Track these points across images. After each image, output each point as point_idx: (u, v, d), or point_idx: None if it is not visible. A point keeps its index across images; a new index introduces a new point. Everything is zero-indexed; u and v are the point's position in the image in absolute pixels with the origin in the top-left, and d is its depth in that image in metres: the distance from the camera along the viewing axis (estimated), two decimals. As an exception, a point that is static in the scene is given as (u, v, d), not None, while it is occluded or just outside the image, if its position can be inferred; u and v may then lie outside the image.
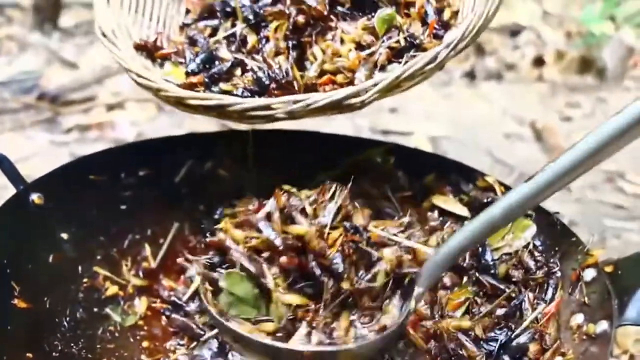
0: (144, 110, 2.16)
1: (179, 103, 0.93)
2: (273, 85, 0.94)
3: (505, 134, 2.20)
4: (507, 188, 1.08)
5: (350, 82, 0.93)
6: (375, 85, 0.86)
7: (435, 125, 2.20)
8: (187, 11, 1.15)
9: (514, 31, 3.44)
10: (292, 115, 0.87)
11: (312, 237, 0.88)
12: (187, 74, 1.01)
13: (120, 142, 1.98)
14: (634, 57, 2.79)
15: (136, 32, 1.08)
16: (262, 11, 1.02)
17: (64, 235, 1.06)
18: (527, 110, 2.38)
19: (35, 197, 1.03)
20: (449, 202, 1.07)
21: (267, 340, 0.89)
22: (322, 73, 0.95)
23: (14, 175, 1.03)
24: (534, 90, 2.60)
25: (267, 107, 0.87)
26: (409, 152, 1.19)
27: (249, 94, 0.95)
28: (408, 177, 1.13)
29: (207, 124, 2.08)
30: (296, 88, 0.94)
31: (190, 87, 0.99)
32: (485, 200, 1.06)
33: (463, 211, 1.07)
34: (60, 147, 1.96)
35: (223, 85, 0.98)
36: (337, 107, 0.86)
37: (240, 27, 1.03)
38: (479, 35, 0.91)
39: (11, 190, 1.03)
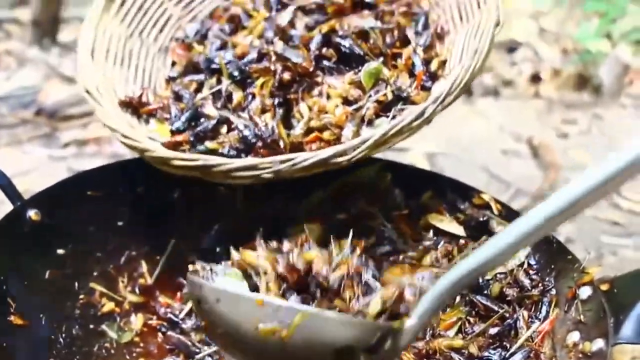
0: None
1: (164, 163, 0.92)
2: (259, 143, 0.93)
3: (502, 151, 2.20)
4: (503, 206, 1.09)
5: (338, 139, 0.92)
6: (362, 143, 0.86)
7: (431, 141, 2.21)
8: (173, 63, 1.15)
9: (511, 48, 3.45)
10: (278, 175, 0.87)
11: (320, 260, 0.87)
12: (172, 132, 1.00)
13: (118, 156, 1.98)
14: (630, 74, 2.80)
15: (121, 86, 1.07)
16: (247, 68, 1.02)
17: (61, 252, 1.06)
18: (524, 127, 2.39)
19: (32, 214, 1.03)
20: (444, 221, 1.07)
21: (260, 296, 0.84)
22: (309, 130, 0.94)
23: (11, 191, 1.03)
24: (531, 106, 2.60)
25: (253, 168, 0.87)
26: (404, 170, 1.19)
27: (235, 153, 0.95)
28: (404, 195, 1.13)
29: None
30: (282, 147, 0.93)
31: (175, 145, 0.98)
32: (481, 219, 1.07)
33: (459, 230, 1.07)
34: (57, 162, 1.97)
35: (209, 144, 0.97)
36: (324, 165, 0.86)
37: (225, 84, 1.02)
38: (467, 87, 0.91)
39: (8, 206, 1.04)
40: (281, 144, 0.93)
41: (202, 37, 1.14)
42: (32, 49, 2.75)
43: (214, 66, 1.06)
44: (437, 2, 1.08)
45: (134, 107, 1.05)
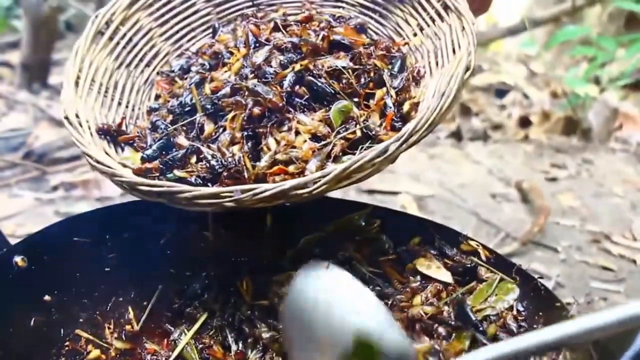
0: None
1: (133, 188, 0.94)
2: (225, 173, 0.95)
3: (491, 194, 2.21)
4: (491, 252, 1.09)
5: (302, 173, 0.94)
6: (323, 177, 0.87)
7: (421, 185, 2.21)
8: (157, 96, 1.17)
9: (500, 91, 3.49)
10: (239, 204, 0.87)
11: None
12: (143, 160, 1.02)
13: (106, 200, 1.98)
14: (619, 118, 2.82)
15: (103, 115, 1.09)
16: (220, 102, 1.04)
17: (47, 298, 1.05)
18: (513, 171, 2.40)
19: (18, 260, 1.03)
20: (432, 268, 1.07)
21: None
22: (274, 163, 0.95)
23: (-3, 237, 1.03)
24: (520, 150, 2.62)
25: (215, 196, 0.88)
26: (393, 215, 1.19)
27: (201, 182, 0.96)
28: (392, 241, 1.12)
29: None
30: (246, 177, 0.94)
31: (145, 172, 1.00)
32: (468, 265, 1.06)
33: (446, 277, 1.06)
34: (45, 205, 1.96)
35: (177, 172, 0.99)
36: (285, 197, 0.87)
37: (198, 116, 1.04)
38: (433, 128, 0.92)
39: (-6, 252, 1.03)
40: (245, 174, 0.94)
41: (185, 72, 1.17)
42: (22, 92, 2.76)
43: (189, 99, 1.08)
44: (417, 47, 1.09)
45: (112, 134, 1.06)
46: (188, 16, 1.21)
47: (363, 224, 1.16)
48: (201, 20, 1.22)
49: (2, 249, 1.03)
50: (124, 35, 1.15)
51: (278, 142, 0.98)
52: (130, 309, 1.12)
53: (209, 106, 1.05)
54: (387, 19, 1.15)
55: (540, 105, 3.16)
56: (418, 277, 1.07)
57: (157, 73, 1.18)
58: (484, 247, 1.10)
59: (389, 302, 1.03)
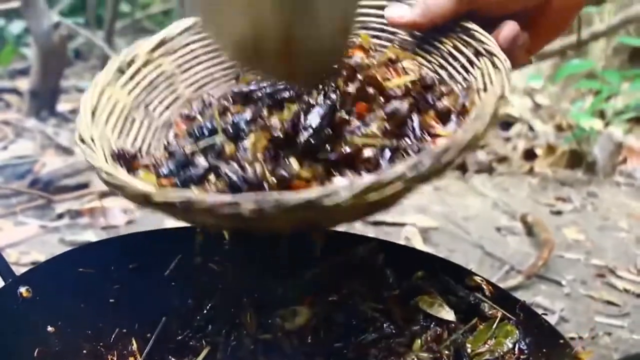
0: (136, 198, 2.17)
1: (146, 201, 0.90)
2: (245, 187, 0.93)
3: (496, 227, 2.21)
4: (496, 288, 1.09)
5: None
6: (353, 184, 0.84)
7: (426, 217, 2.22)
8: (175, 136, 1.15)
9: (506, 123, 3.49)
10: (261, 215, 0.84)
11: None
12: (158, 176, 0.98)
13: (111, 229, 1.98)
14: (624, 152, 2.83)
15: (117, 147, 1.07)
16: (242, 126, 1.01)
17: (50, 329, 1.05)
18: (518, 204, 2.40)
19: (23, 290, 1.03)
20: (435, 305, 1.07)
21: None
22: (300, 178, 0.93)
23: (2, 267, 1.03)
24: (525, 183, 2.62)
25: (235, 204, 0.85)
26: (397, 249, 1.19)
27: None
28: (396, 275, 1.13)
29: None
30: (267, 189, 0.90)
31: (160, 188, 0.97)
32: (471, 301, 1.07)
33: (449, 315, 1.06)
34: (50, 233, 1.96)
35: (195, 189, 0.94)
36: (311, 207, 0.84)
37: (219, 138, 1.01)
38: (467, 150, 0.88)
39: (-1, 282, 1.04)
40: (266, 186, 0.92)
41: (205, 109, 1.15)
42: (30, 120, 2.78)
43: (209, 123, 1.06)
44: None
45: (126, 160, 1.04)
46: (212, 66, 1.20)
47: (367, 258, 1.16)
48: (225, 72, 1.20)
49: (8, 279, 1.03)
50: (145, 76, 1.13)
51: (300, 164, 0.95)
52: (133, 341, 1.12)
53: (230, 129, 1.01)
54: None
55: (545, 138, 3.16)
56: (420, 316, 1.07)
57: (178, 115, 1.16)
58: (488, 282, 1.10)
59: (388, 345, 1.03)
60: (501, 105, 0.89)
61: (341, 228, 1.98)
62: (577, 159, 2.77)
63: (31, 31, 2.83)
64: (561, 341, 0.99)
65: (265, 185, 0.90)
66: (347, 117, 0.95)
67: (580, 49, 3.40)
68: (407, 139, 0.93)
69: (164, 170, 0.98)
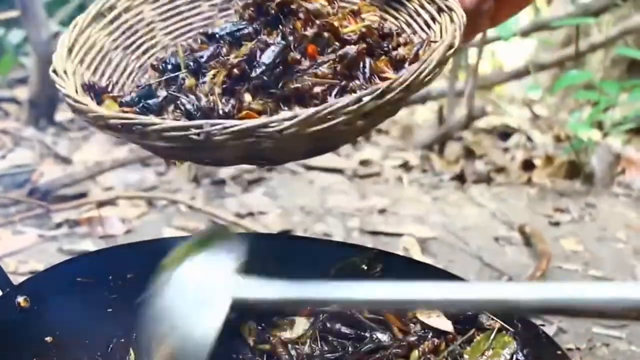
0: (134, 207, 2.18)
1: (107, 124, 0.94)
2: (198, 115, 0.97)
3: (494, 238, 2.21)
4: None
5: None
6: (294, 117, 0.87)
7: (424, 227, 2.22)
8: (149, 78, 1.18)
9: (504, 134, 3.50)
10: (208, 138, 0.87)
11: None
12: (121, 105, 1.03)
13: (109, 238, 1.98)
14: (622, 163, 2.83)
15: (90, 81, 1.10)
16: (202, 59, 1.06)
17: (48, 339, 1.05)
18: (516, 214, 2.40)
19: (21, 300, 1.03)
20: (432, 317, 1.07)
21: None
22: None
23: (0, 277, 1.03)
24: (523, 193, 2.62)
25: (184, 128, 0.88)
26: (395, 259, 1.19)
27: None
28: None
29: (196, 221, 2.09)
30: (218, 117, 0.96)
31: None
32: (469, 313, 1.07)
33: (446, 326, 1.07)
34: (48, 242, 1.96)
35: (154, 118, 0.98)
36: (253, 134, 0.86)
37: (181, 73, 1.06)
38: (409, 93, 0.91)
39: (-4, 292, 1.03)
40: (217, 113, 0.96)
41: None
42: (28, 129, 2.78)
43: (174, 60, 1.10)
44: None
45: (96, 91, 1.07)
46: (191, 16, 1.23)
47: (365, 267, 1.16)
48: (204, 22, 1.23)
49: (5, 288, 1.03)
50: (126, 21, 1.17)
51: (253, 97, 0.98)
52: (131, 351, 1.12)
53: (192, 64, 1.06)
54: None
55: (543, 149, 3.17)
56: (418, 326, 1.07)
57: (153, 60, 1.19)
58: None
59: (386, 355, 1.03)
60: (450, 54, 0.93)
61: (339, 238, 1.98)
62: (575, 170, 2.77)
63: (30, 41, 2.83)
64: (559, 352, 0.99)
65: (216, 114, 0.95)
66: (299, 57, 0.99)
67: (579, 60, 3.41)
68: (357, 81, 0.97)
69: (126, 99, 1.04)
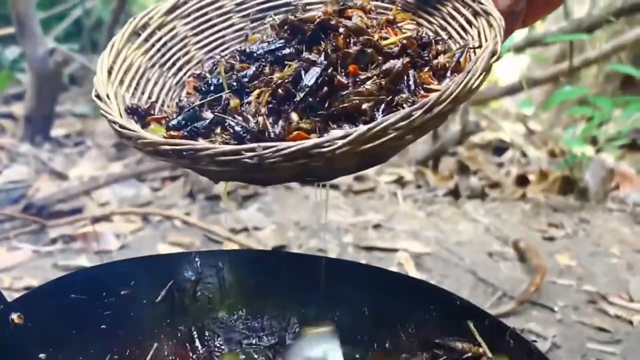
0: (129, 223, 2.18)
1: (156, 150, 0.94)
2: (248, 137, 0.96)
3: (488, 253, 2.21)
4: (485, 315, 1.09)
5: None
6: (346, 136, 0.87)
7: (418, 242, 2.22)
8: (188, 94, 1.19)
9: (498, 149, 3.51)
10: (261, 161, 0.88)
11: None
12: (168, 129, 1.03)
13: (105, 253, 1.98)
14: (616, 178, 2.84)
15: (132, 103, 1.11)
16: (246, 80, 1.05)
17: (42, 356, 1.05)
18: (510, 229, 2.41)
19: (15, 317, 1.03)
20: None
21: None
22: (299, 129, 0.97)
23: (-5, 294, 1.03)
24: (518, 209, 2.63)
25: (237, 152, 0.88)
26: (388, 276, 1.20)
27: None
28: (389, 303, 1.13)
29: (191, 237, 2.09)
30: (268, 139, 0.95)
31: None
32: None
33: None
34: (43, 257, 1.96)
35: (202, 140, 0.99)
36: (307, 155, 0.86)
37: (224, 93, 1.06)
38: (457, 103, 0.92)
39: (-10, 309, 1.03)
40: (266, 135, 0.95)
41: (214, 69, 1.18)
42: (24, 144, 2.79)
43: (215, 80, 1.10)
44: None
45: (140, 114, 1.07)
46: (223, 29, 1.23)
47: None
48: (236, 34, 1.24)
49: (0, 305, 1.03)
50: (160, 38, 1.17)
51: (300, 117, 0.98)
52: (126, 367, 1.12)
53: (235, 84, 1.06)
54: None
55: (538, 164, 3.18)
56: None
57: (190, 76, 1.20)
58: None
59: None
60: (494, 60, 0.93)
61: (333, 253, 1.99)
62: (569, 185, 2.78)
63: (26, 57, 2.84)
64: (552, 368, 0.99)
65: (267, 136, 0.94)
66: (345, 80, 0.99)
67: (573, 75, 3.42)
68: (403, 95, 0.97)
69: (173, 122, 1.03)
